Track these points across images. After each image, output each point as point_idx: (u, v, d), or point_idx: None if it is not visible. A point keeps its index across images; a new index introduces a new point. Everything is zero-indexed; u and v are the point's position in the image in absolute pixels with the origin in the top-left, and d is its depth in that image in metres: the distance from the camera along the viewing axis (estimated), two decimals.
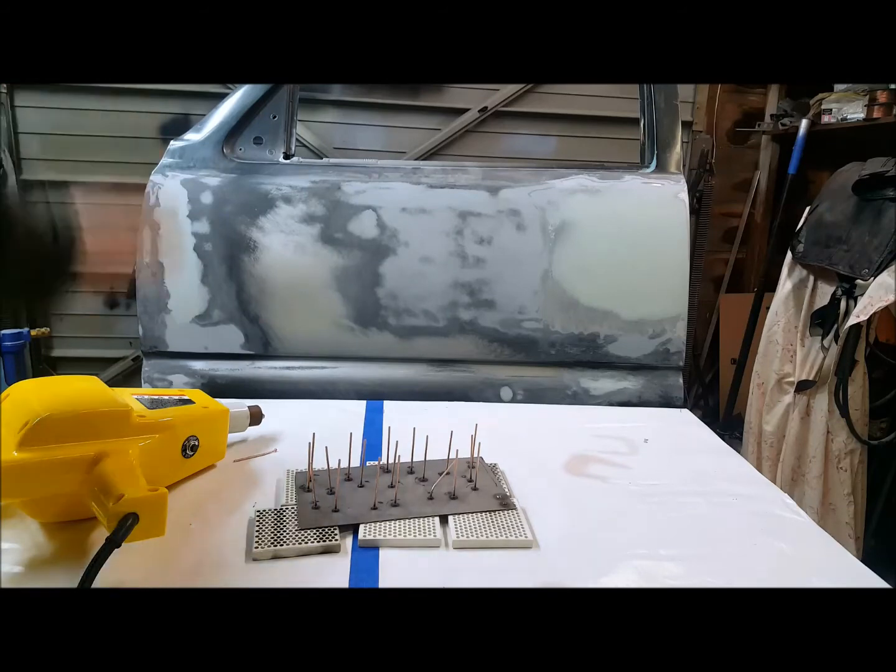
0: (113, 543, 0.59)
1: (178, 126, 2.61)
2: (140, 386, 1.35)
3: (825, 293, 1.79)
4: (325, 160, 1.86)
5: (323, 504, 0.76)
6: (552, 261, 1.32)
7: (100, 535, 0.70)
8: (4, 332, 2.13)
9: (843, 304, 1.70)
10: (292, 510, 0.76)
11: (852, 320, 1.62)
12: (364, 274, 1.32)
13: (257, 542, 0.70)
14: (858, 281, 1.65)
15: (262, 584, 0.64)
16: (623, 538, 0.76)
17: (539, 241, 1.32)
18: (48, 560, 0.68)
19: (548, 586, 0.66)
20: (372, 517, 0.74)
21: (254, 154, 1.36)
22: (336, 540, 0.71)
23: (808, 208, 1.94)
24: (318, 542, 0.70)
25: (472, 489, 0.82)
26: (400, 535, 0.72)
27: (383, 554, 0.70)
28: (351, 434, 0.85)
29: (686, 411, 1.23)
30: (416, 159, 2.79)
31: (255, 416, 0.96)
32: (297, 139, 1.43)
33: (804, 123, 2.68)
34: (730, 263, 3.31)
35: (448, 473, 0.81)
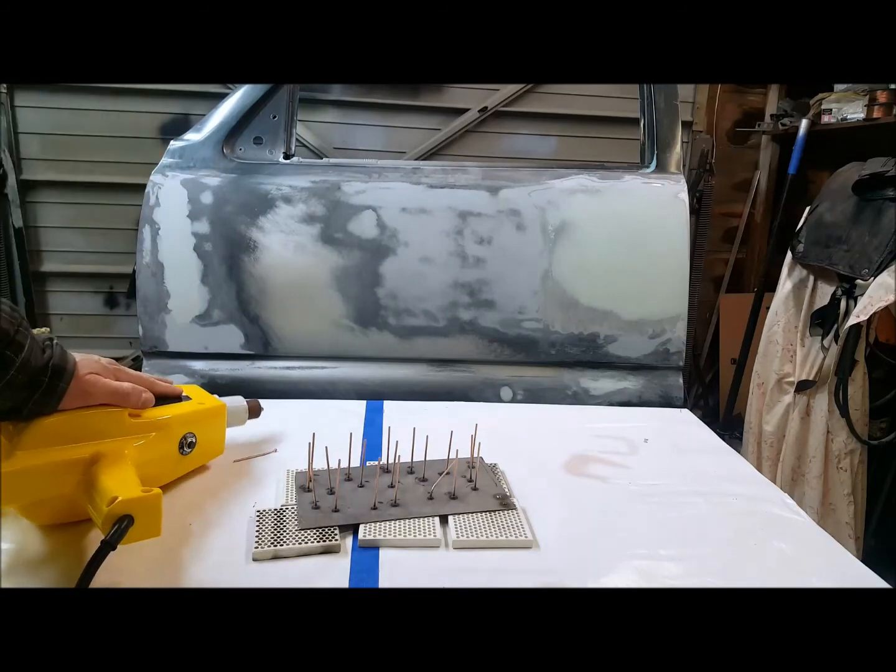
0: (108, 546, 0.59)
1: (178, 126, 2.61)
2: None
3: (825, 293, 1.80)
4: (325, 160, 1.86)
5: (323, 504, 0.76)
6: (552, 261, 1.32)
7: (97, 536, 0.70)
8: None
9: (843, 304, 1.70)
10: (292, 510, 0.76)
11: (852, 320, 1.62)
12: (364, 274, 1.32)
13: (257, 542, 0.70)
14: (858, 281, 1.65)
15: (262, 584, 0.64)
16: (623, 538, 0.76)
17: (539, 241, 1.32)
18: (44, 561, 0.68)
19: (548, 586, 0.66)
20: (372, 517, 0.74)
21: (254, 154, 1.36)
22: (336, 540, 0.71)
23: (808, 208, 1.94)
24: (319, 542, 0.70)
25: (472, 489, 0.82)
26: (400, 534, 0.73)
27: (383, 554, 0.70)
28: (351, 434, 0.85)
29: (686, 411, 1.23)
30: (416, 159, 2.79)
31: (254, 410, 0.95)
32: (297, 139, 1.43)
33: (804, 123, 2.68)
34: (730, 263, 3.31)
35: (448, 473, 0.81)
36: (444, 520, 0.76)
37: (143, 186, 1.32)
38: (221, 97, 1.40)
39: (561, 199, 1.33)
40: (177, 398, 0.82)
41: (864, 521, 1.80)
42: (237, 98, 1.36)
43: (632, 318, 1.33)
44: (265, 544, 0.69)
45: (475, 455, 0.87)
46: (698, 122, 3.06)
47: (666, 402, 1.32)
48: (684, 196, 1.34)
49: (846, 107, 2.62)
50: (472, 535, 0.73)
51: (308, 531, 0.72)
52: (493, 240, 1.32)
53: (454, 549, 0.72)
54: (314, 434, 0.83)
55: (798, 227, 1.92)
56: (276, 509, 0.76)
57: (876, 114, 2.51)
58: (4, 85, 2.59)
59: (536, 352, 1.34)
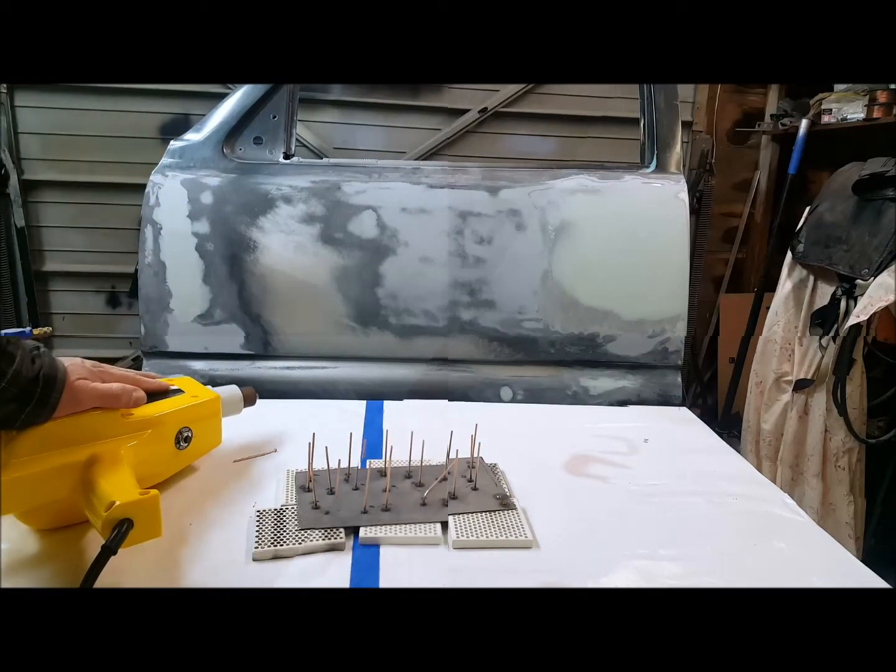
0: (109, 551, 0.58)
1: (178, 126, 2.61)
2: None
3: (825, 293, 1.79)
4: (325, 160, 1.86)
5: (322, 504, 0.77)
6: (552, 261, 1.32)
7: (95, 536, 0.70)
8: (5, 331, 2.13)
9: (843, 303, 1.70)
10: (292, 510, 0.76)
11: (852, 320, 1.62)
12: (364, 274, 1.32)
13: (258, 542, 0.70)
14: (858, 281, 1.65)
15: (262, 584, 0.64)
16: (623, 538, 0.76)
17: (539, 241, 1.32)
18: (42, 561, 0.68)
19: (548, 586, 0.66)
20: (363, 521, 0.74)
21: (254, 154, 1.36)
22: (340, 538, 0.71)
23: (807, 208, 1.94)
24: (320, 541, 0.70)
25: (472, 489, 0.82)
26: (401, 533, 0.73)
27: (384, 554, 0.71)
28: (350, 434, 0.85)
29: (685, 409, 1.23)
30: (416, 159, 2.79)
31: (249, 398, 0.94)
32: (297, 139, 1.43)
33: (804, 123, 2.68)
34: (730, 263, 3.31)
35: (444, 479, 0.81)
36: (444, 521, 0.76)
37: (144, 186, 1.32)
38: (221, 97, 1.40)
39: (561, 199, 1.33)
40: (165, 393, 0.82)
41: (864, 520, 1.80)
42: (237, 98, 1.36)
43: (632, 317, 1.33)
44: (265, 544, 0.69)
45: (475, 455, 0.87)
46: (698, 122, 3.06)
47: (664, 400, 1.32)
48: (684, 196, 1.34)
49: (846, 107, 2.62)
50: (472, 535, 0.73)
51: (309, 531, 0.72)
52: (493, 240, 1.32)
53: (454, 548, 0.72)
54: (314, 434, 0.83)
55: (798, 227, 1.92)
56: (276, 509, 0.76)
57: (876, 114, 2.51)
58: (4, 85, 2.59)
59: (536, 351, 1.34)
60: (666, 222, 1.33)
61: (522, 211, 1.33)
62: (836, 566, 0.72)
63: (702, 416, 1.20)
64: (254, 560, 0.68)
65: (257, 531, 0.72)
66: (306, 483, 0.81)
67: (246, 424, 1.01)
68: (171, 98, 2.71)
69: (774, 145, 3.18)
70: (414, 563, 0.69)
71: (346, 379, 1.34)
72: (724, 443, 1.07)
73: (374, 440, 0.97)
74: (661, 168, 1.38)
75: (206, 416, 0.85)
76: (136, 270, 1.34)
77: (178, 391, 0.83)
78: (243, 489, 0.84)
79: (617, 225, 1.34)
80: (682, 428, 1.14)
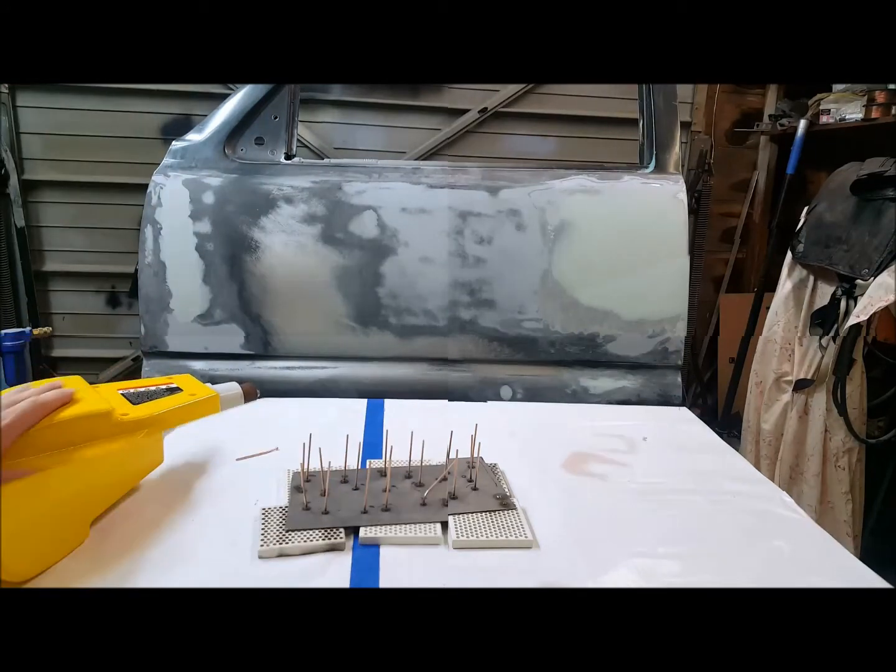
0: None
1: (180, 126, 2.61)
2: None
3: (825, 293, 1.80)
4: (325, 160, 1.87)
5: (314, 506, 0.76)
6: (552, 261, 1.33)
7: (95, 532, 0.70)
8: (5, 331, 2.13)
9: (843, 303, 1.70)
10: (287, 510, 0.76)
11: (852, 320, 1.62)
12: (364, 273, 1.32)
13: (262, 540, 0.70)
14: (858, 281, 1.65)
15: (263, 583, 0.64)
16: (622, 536, 0.76)
17: (539, 241, 1.33)
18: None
19: (547, 586, 0.66)
20: (363, 521, 0.74)
21: (255, 154, 1.37)
22: (341, 538, 0.71)
23: (805, 208, 1.94)
24: (323, 540, 0.70)
25: (471, 489, 0.82)
26: (401, 533, 0.73)
27: (384, 554, 0.71)
28: (347, 436, 0.85)
29: (685, 409, 1.23)
30: (416, 159, 2.80)
31: (249, 393, 0.92)
32: (298, 139, 1.43)
33: (802, 124, 2.68)
34: (729, 263, 3.31)
35: (444, 479, 0.81)
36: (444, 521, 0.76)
37: (145, 186, 1.32)
38: (223, 98, 1.40)
39: (560, 199, 1.33)
40: (169, 391, 0.81)
41: (863, 519, 1.80)
42: (238, 98, 1.36)
43: (631, 317, 1.33)
44: (270, 542, 0.70)
45: (475, 455, 0.87)
46: (697, 122, 3.06)
47: (664, 400, 1.33)
48: (683, 196, 1.34)
49: (844, 107, 2.62)
50: (472, 535, 0.73)
51: (314, 530, 0.72)
52: (493, 240, 1.33)
53: (454, 548, 0.72)
54: (311, 435, 0.83)
55: (798, 228, 1.92)
56: (281, 507, 0.77)
57: (874, 114, 2.51)
58: (6, 85, 2.59)
59: (536, 351, 1.34)
60: (665, 222, 1.34)
61: (522, 211, 1.33)
62: (835, 564, 0.72)
63: (702, 416, 1.20)
64: (259, 558, 0.68)
65: (262, 529, 0.72)
66: (301, 484, 0.81)
67: (248, 423, 1.01)
68: (172, 98, 2.71)
69: (773, 145, 3.18)
70: (414, 563, 0.69)
71: (346, 378, 1.34)
72: (723, 442, 1.07)
73: (374, 439, 0.97)
74: (660, 168, 1.38)
75: (203, 415, 0.84)
76: (136, 270, 1.35)
77: (178, 389, 0.83)
78: (245, 488, 0.84)
79: (616, 225, 1.34)
80: (681, 427, 1.14)
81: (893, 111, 2.45)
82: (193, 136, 1.37)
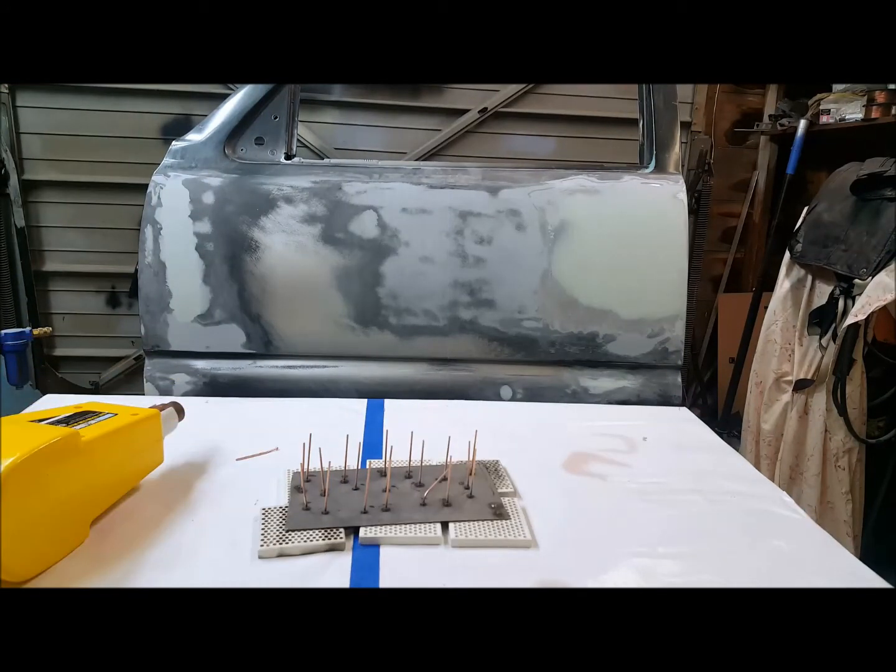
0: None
1: (180, 126, 2.61)
2: (142, 385, 1.35)
3: (823, 293, 1.80)
4: (326, 160, 1.87)
5: (314, 506, 0.76)
6: (552, 261, 1.33)
7: (94, 532, 0.70)
8: (6, 331, 2.12)
9: (841, 303, 1.70)
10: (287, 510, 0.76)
11: (850, 320, 1.62)
12: (365, 273, 1.32)
13: (262, 540, 0.70)
14: (856, 280, 1.65)
15: (263, 583, 0.64)
16: (622, 536, 0.76)
17: (539, 241, 1.33)
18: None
19: (547, 586, 0.66)
20: (363, 521, 0.74)
21: (255, 154, 1.37)
22: (341, 538, 0.71)
23: (805, 208, 1.94)
24: (324, 540, 0.70)
25: (468, 496, 0.81)
26: (401, 533, 0.73)
27: (384, 553, 0.71)
28: (347, 436, 0.85)
29: (685, 409, 1.23)
30: (416, 160, 2.80)
31: (180, 412, 0.90)
32: (298, 140, 1.43)
33: (802, 124, 2.68)
34: (728, 263, 3.31)
35: (444, 479, 0.81)
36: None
37: (145, 186, 1.32)
38: (223, 98, 1.40)
39: (560, 199, 1.33)
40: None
41: (863, 519, 1.80)
42: (239, 99, 1.37)
43: (631, 317, 1.33)
44: (270, 542, 0.70)
45: (473, 460, 0.86)
46: (697, 122, 3.06)
47: (664, 400, 1.33)
48: (683, 196, 1.34)
49: (844, 107, 2.62)
50: (472, 535, 0.73)
51: (313, 530, 0.72)
52: (493, 240, 1.33)
53: (454, 548, 0.72)
54: (311, 435, 0.83)
55: (796, 227, 1.92)
56: (281, 507, 0.77)
57: (874, 114, 2.51)
58: (6, 85, 2.59)
59: (536, 351, 1.34)
60: (665, 222, 1.34)
61: (522, 211, 1.33)
62: (834, 563, 0.72)
63: (702, 416, 1.20)
64: (259, 557, 0.68)
65: (262, 529, 0.72)
66: (301, 484, 0.81)
67: (248, 423, 1.01)
68: (172, 98, 2.71)
69: (773, 145, 3.18)
70: (414, 563, 0.69)
71: (346, 378, 1.34)
72: (723, 442, 1.07)
73: (375, 438, 0.97)
74: (660, 168, 1.38)
75: (154, 434, 0.82)
76: (136, 270, 1.35)
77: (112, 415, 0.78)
78: (245, 488, 0.84)
79: (616, 225, 1.34)
80: (681, 427, 1.14)
81: (893, 111, 2.45)
82: (193, 136, 1.37)
